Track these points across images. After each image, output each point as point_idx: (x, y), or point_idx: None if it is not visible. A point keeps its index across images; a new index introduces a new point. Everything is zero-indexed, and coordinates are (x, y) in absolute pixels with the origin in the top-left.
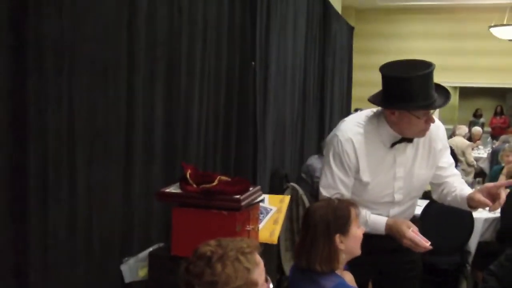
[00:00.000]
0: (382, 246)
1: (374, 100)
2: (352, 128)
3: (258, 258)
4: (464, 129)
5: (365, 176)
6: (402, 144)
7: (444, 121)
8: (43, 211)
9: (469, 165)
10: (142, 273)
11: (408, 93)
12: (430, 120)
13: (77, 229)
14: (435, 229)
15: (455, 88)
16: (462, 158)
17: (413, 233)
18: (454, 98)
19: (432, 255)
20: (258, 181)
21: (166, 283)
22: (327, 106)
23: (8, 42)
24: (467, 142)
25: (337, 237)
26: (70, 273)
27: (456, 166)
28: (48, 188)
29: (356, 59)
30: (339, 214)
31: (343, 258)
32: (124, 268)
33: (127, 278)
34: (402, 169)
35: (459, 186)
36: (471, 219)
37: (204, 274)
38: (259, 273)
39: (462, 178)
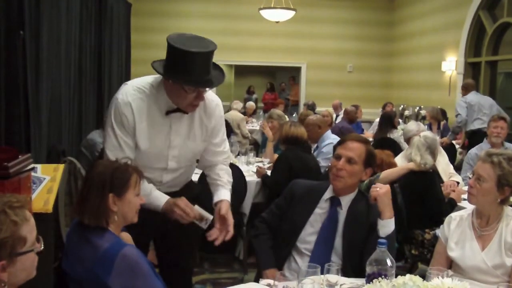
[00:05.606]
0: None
1: (156, 66)
2: (133, 93)
3: (27, 214)
4: (239, 104)
5: (141, 140)
6: (178, 114)
7: (221, 97)
8: None
9: (244, 137)
10: None
11: (183, 66)
12: (199, 98)
13: None
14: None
15: (230, 66)
16: (237, 131)
17: (185, 203)
18: (230, 76)
19: None
20: (33, 158)
21: None
22: (105, 82)
23: None
24: (241, 116)
25: (111, 197)
26: None
27: (229, 137)
28: None
29: (135, 37)
30: (118, 175)
31: (116, 221)
32: None
33: None
34: (177, 138)
35: (216, 185)
36: (244, 183)
37: None
38: (29, 230)
39: (238, 149)
